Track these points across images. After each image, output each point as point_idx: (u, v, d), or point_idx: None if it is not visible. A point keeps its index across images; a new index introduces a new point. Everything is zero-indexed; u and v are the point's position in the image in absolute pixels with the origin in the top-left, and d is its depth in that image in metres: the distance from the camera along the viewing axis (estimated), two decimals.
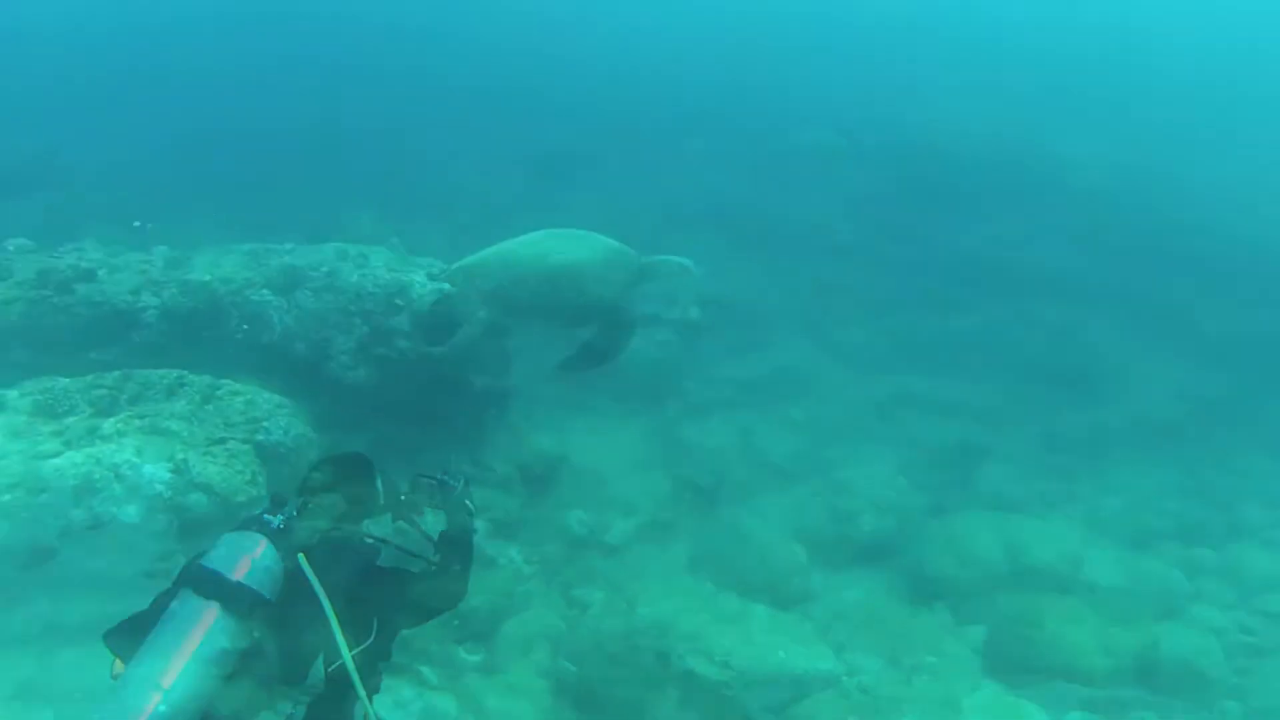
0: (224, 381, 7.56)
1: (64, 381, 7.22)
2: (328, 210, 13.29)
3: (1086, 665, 7.32)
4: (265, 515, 2.89)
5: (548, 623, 7.58)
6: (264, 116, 18.02)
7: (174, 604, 2.64)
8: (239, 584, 2.62)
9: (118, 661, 2.75)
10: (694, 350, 12.29)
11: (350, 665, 2.59)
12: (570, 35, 27.58)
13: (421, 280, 7.44)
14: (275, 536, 2.78)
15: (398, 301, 7.28)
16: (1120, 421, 13.04)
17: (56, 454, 6.56)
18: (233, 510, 6.38)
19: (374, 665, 2.82)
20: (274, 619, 2.64)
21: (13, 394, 7.07)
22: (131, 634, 2.69)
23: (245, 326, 8.28)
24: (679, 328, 11.84)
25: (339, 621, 2.61)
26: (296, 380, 7.81)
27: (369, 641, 2.73)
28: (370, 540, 3.01)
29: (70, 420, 6.91)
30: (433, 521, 3.35)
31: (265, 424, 7.26)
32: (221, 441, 7.01)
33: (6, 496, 6.24)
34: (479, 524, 3.41)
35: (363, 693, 2.64)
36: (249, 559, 2.69)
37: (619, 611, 7.27)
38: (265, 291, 8.28)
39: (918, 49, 29.27)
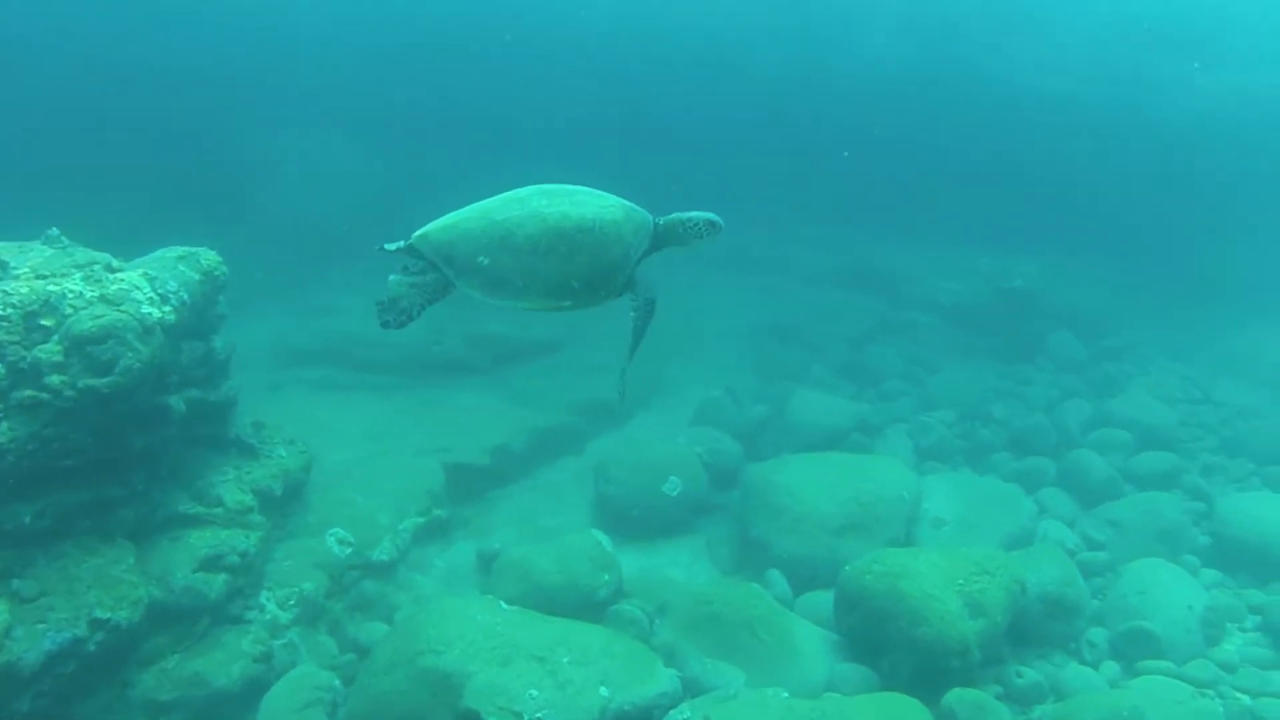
0: None
1: None
2: None
3: (956, 636, 6.78)
4: None
5: (320, 683, 6.61)
6: None
7: None
8: None
9: None
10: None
11: None
12: None
13: (79, 289, 6.30)
14: None
15: (44, 323, 6.07)
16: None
17: None
18: None
19: None
20: None
21: None
22: None
23: None
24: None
25: None
26: None
27: None
28: None
29: None
30: None
31: None
32: None
33: None
34: None
35: None
36: None
37: (404, 654, 6.26)
38: None
39: None
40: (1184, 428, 11.50)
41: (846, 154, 21.02)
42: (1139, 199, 19.97)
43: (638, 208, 4.47)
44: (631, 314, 4.56)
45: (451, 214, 4.38)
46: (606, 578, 7.87)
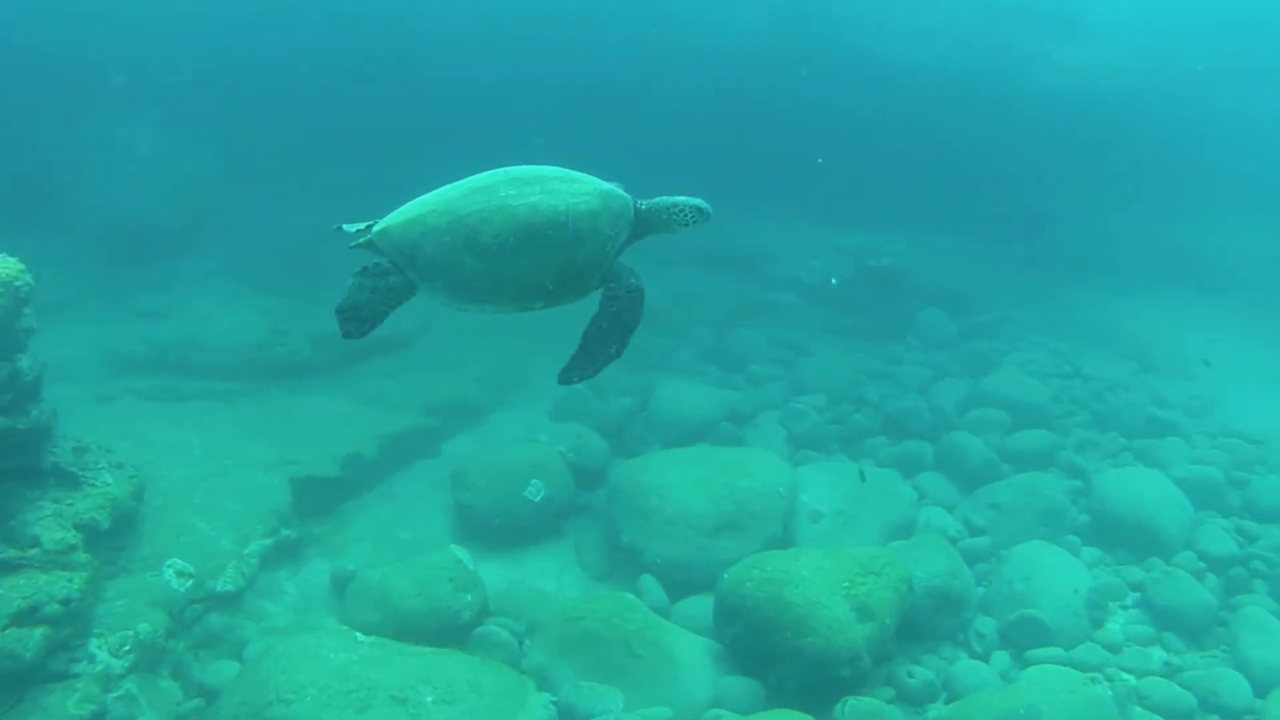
0: None
1: None
2: None
3: (845, 643, 6.57)
4: None
5: None
6: None
7: None
8: None
9: None
10: None
11: None
12: None
13: None
14: None
15: None
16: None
17: None
18: None
19: None
20: None
21: None
22: None
23: None
24: None
25: None
26: None
27: None
28: None
29: None
30: None
31: None
32: None
33: None
34: None
35: None
36: None
37: (252, 705, 5.72)
38: None
39: None
40: (1057, 404, 11.70)
41: (701, 127, 20.89)
42: (1002, 174, 20.43)
43: (618, 191, 4.07)
44: (610, 305, 4.10)
45: (414, 203, 3.95)
46: (469, 598, 7.43)
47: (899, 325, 14.13)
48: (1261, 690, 7.11)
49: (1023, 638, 7.63)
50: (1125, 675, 7.42)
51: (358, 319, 3.94)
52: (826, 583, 6.83)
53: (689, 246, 16.92)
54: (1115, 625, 8.02)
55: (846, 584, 6.86)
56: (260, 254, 14.72)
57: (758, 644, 6.77)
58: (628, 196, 4.11)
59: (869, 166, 20.05)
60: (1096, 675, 7.37)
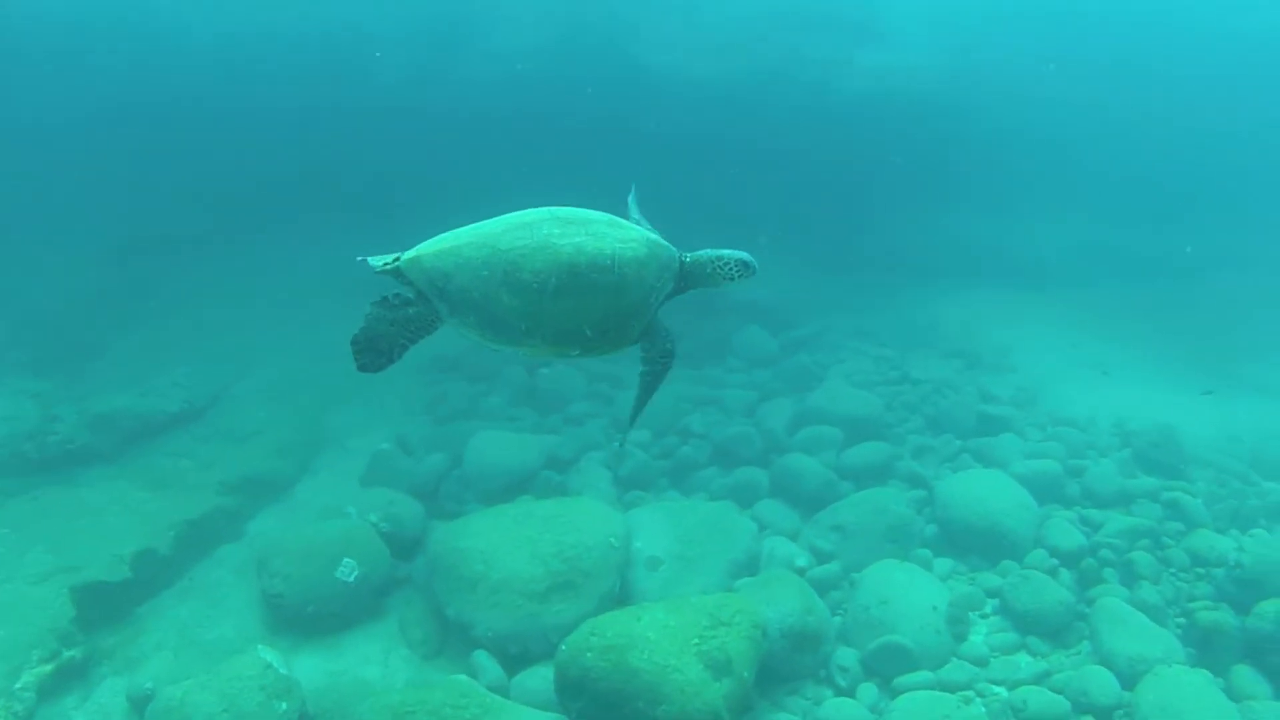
0: None
1: None
2: None
3: (702, 707, 6.23)
4: None
5: None
6: None
7: None
8: None
9: None
10: None
11: None
12: None
13: None
14: None
15: None
16: None
17: None
18: None
19: None
20: None
21: None
22: None
23: None
24: None
25: None
26: None
27: None
28: None
29: None
30: None
31: None
32: None
33: None
34: None
35: None
36: None
37: None
38: None
39: None
40: (889, 412, 11.81)
41: (491, 151, 20.70)
42: (812, 181, 20.89)
43: (663, 242, 4.09)
44: (643, 366, 4.20)
45: (447, 235, 3.94)
46: (285, 706, 6.84)
47: (718, 347, 14.07)
48: (1129, 682, 7.27)
49: (887, 665, 7.54)
50: (996, 689, 7.46)
51: (374, 351, 3.95)
52: (674, 642, 6.50)
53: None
54: (978, 637, 8.04)
55: (696, 640, 6.55)
56: (21, 329, 13.60)
57: (607, 718, 6.37)
58: (673, 248, 4.14)
59: (672, 185, 20.14)
60: (968, 694, 7.39)
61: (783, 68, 22.86)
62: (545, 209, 3.99)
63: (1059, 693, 7.25)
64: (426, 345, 12.23)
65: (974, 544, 9.14)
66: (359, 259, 3.93)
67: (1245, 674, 7.37)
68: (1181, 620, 8.02)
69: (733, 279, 4.22)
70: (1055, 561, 8.79)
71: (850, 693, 7.42)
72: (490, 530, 8.46)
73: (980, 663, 7.71)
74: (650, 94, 23.03)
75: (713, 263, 4.20)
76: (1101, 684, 7.20)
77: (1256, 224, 21.90)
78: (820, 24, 22.99)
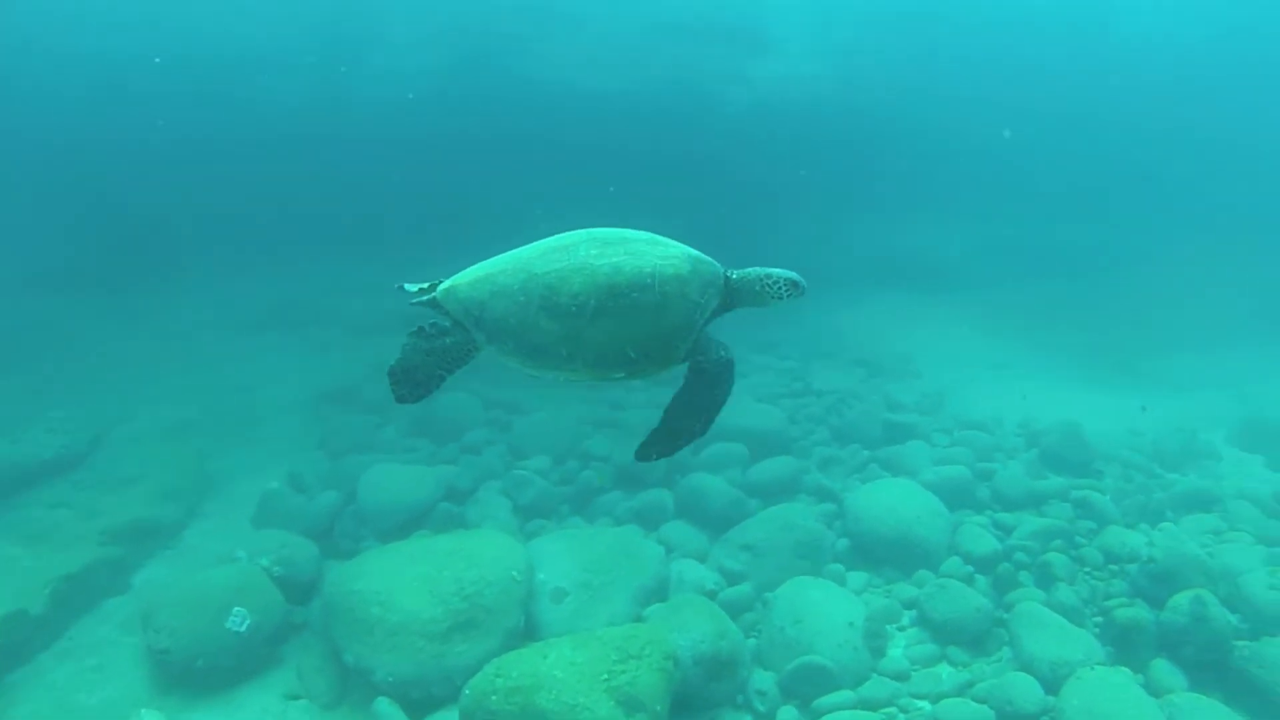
0: None
1: None
2: None
3: None
4: None
5: None
6: None
7: None
8: None
9: None
10: None
11: None
12: None
13: None
14: None
15: None
16: None
17: None
18: None
19: None
20: None
21: None
22: None
23: None
24: None
25: None
26: None
27: None
28: None
29: None
30: None
31: None
32: None
33: None
34: None
35: None
36: None
37: None
38: None
39: None
40: (794, 425, 11.75)
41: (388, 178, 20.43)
42: (709, 191, 20.95)
43: (706, 258, 4.01)
44: (697, 378, 4.03)
45: (483, 264, 3.96)
46: None
47: None
48: (1052, 687, 7.23)
49: (806, 687, 7.37)
50: (919, 703, 7.37)
51: (411, 382, 3.94)
52: (583, 679, 6.24)
53: (385, 313, 16.21)
54: (897, 651, 7.94)
55: (605, 676, 6.31)
56: None
57: None
58: (717, 264, 4.06)
59: (568, 200, 20.04)
60: (891, 710, 7.29)
61: (675, 80, 22.95)
62: (583, 231, 3.98)
63: (983, 702, 7.19)
64: (317, 377, 11.87)
65: (887, 555, 9.07)
66: (396, 286, 4.00)
67: (1163, 668, 7.43)
68: (1099, 619, 8.04)
69: (781, 298, 4.15)
70: (970, 568, 8.79)
71: (770, 717, 7.24)
72: (386, 569, 8.11)
73: (901, 677, 7.60)
74: (543, 109, 22.95)
75: (760, 280, 4.13)
76: (1025, 690, 7.14)
77: (1156, 222, 22.61)
78: (710, 37, 23.17)
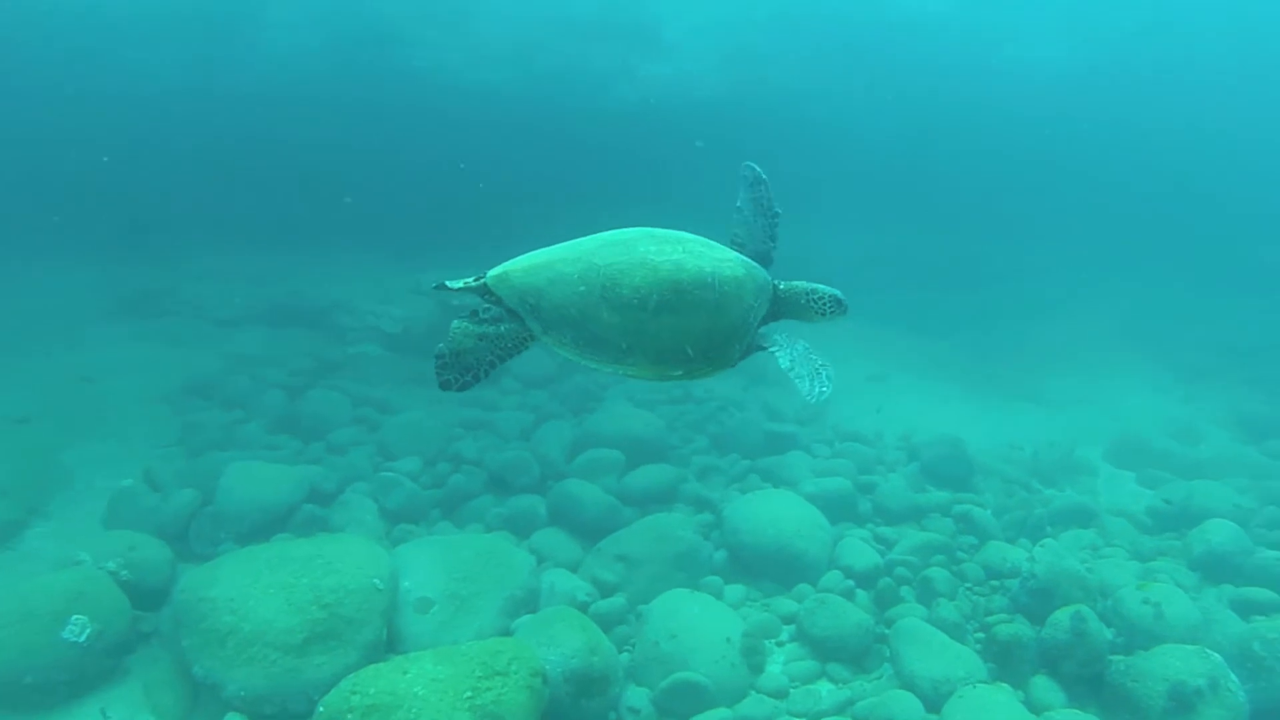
0: None
1: None
2: None
3: None
4: None
5: None
6: None
7: None
8: None
9: None
10: None
11: None
12: None
13: None
14: None
15: None
16: None
17: None
18: None
19: None
20: None
21: None
22: None
23: None
24: None
25: None
26: None
27: None
28: None
29: None
30: None
31: None
32: None
33: None
34: None
35: None
36: None
37: None
38: None
39: None
40: (673, 432, 11.56)
41: (257, 168, 19.73)
42: (590, 189, 20.78)
43: (757, 265, 4.20)
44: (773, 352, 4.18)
45: (537, 252, 3.99)
46: None
47: None
48: (933, 705, 7.15)
49: (681, 704, 7.14)
50: None
51: (459, 368, 3.90)
52: (445, 697, 5.88)
53: (253, 305, 15.63)
54: (776, 667, 7.78)
55: (469, 694, 5.96)
56: None
57: None
58: (765, 272, 4.23)
59: (443, 197, 19.66)
60: None
61: (565, 76, 22.81)
62: (637, 228, 4.11)
63: None
64: (177, 369, 11.21)
65: (766, 568, 8.92)
66: (435, 285, 4.00)
67: (1043, 684, 7.42)
68: (980, 635, 8.00)
69: (825, 314, 4.36)
70: (851, 583, 8.68)
71: None
72: (242, 575, 7.58)
73: (780, 695, 7.44)
74: (425, 104, 22.56)
75: (806, 295, 4.34)
76: (906, 709, 7.03)
77: (1035, 235, 23.17)
78: (599, 35, 23.05)
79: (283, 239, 18.62)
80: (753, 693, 7.41)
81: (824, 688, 7.61)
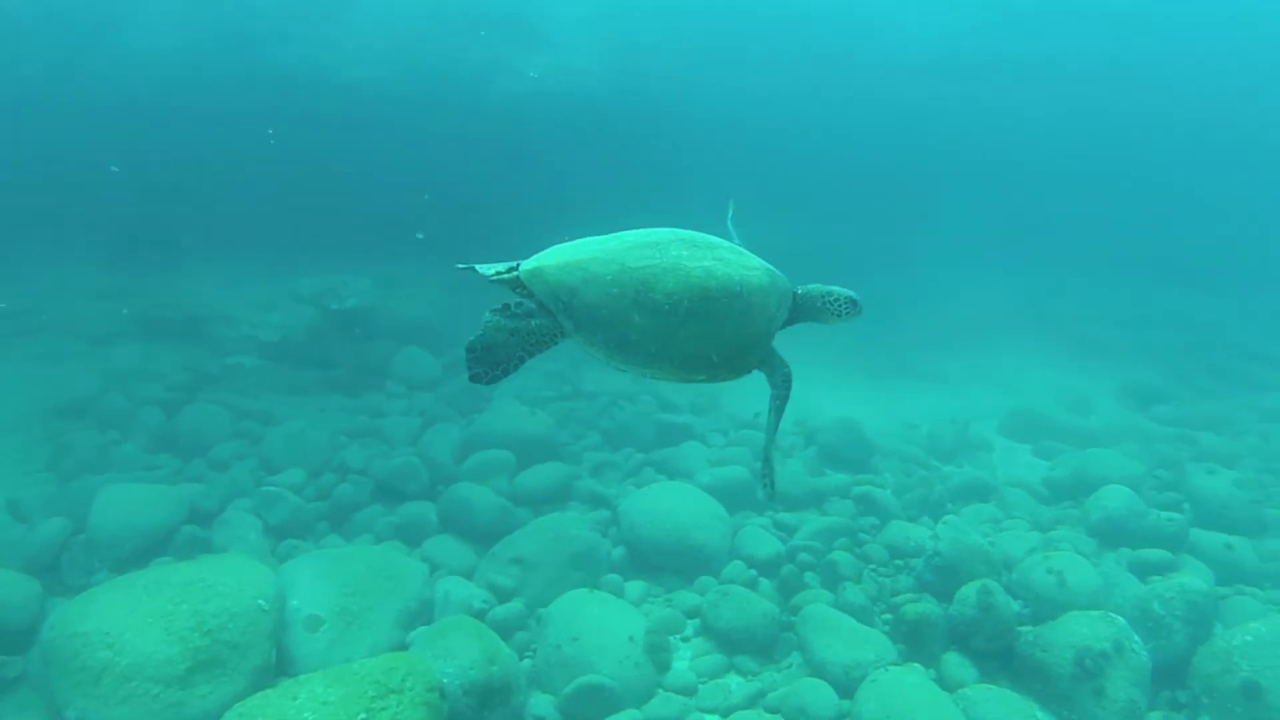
0: None
1: None
2: None
3: None
4: None
5: None
6: None
7: None
8: None
9: None
10: None
11: None
12: None
13: None
14: None
15: None
16: None
17: None
18: None
19: None
20: None
21: None
22: None
23: None
24: None
25: None
26: None
27: None
28: None
29: None
30: None
31: None
32: None
33: None
34: None
35: None
36: None
37: None
38: None
39: None
40: (564, 429, 11.35)
41: (115, 169, 18.87)
42: (468, 189, 20.49)
43: (779, 272, 4.23)
44: (771, 393, 4.24)
45: (569, 247, 4.00)
46: None
47: (376, 372, 13.23)
48: (846, 690, 7.07)
49: (588, 709, 6.93)
50: (709, 717, 7.08)
51: (490, 362, 3.92)
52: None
53: (123, 320, 14.97)
54: (682, 664, 7.61)
55: (363, 715, 5.65)
56: None
57: None
58: (786, 279, 4.26)
59: (315, 201, 19.19)
60: None
61: (443, 71, 22.46)
62: (667, 230, 4.10)
63: (775, 712, 6.97)
64: (46, 390, 10.55)
65: (666, 562, 8.76)
66: (464, 267, 3.99)
67: (954, 661, 7.41)
68: (888, 616, 7.96)
69: (841, 316, 4.38)
70: (754, 572, 8.58)
71: None
72: (117, 605, 7.11)
73: (688, 691, 7.28)
74: (300, 99, 21.98)
75: (823, 297, 4.37)
76: (819, 697, 6.95)
77: (921, 221, 23.53)
78: (478, 28, 22.76)
79: (141, 252, 17.91)
80: (660, 691, 7.23)
81: (733, 681, 7.48)
